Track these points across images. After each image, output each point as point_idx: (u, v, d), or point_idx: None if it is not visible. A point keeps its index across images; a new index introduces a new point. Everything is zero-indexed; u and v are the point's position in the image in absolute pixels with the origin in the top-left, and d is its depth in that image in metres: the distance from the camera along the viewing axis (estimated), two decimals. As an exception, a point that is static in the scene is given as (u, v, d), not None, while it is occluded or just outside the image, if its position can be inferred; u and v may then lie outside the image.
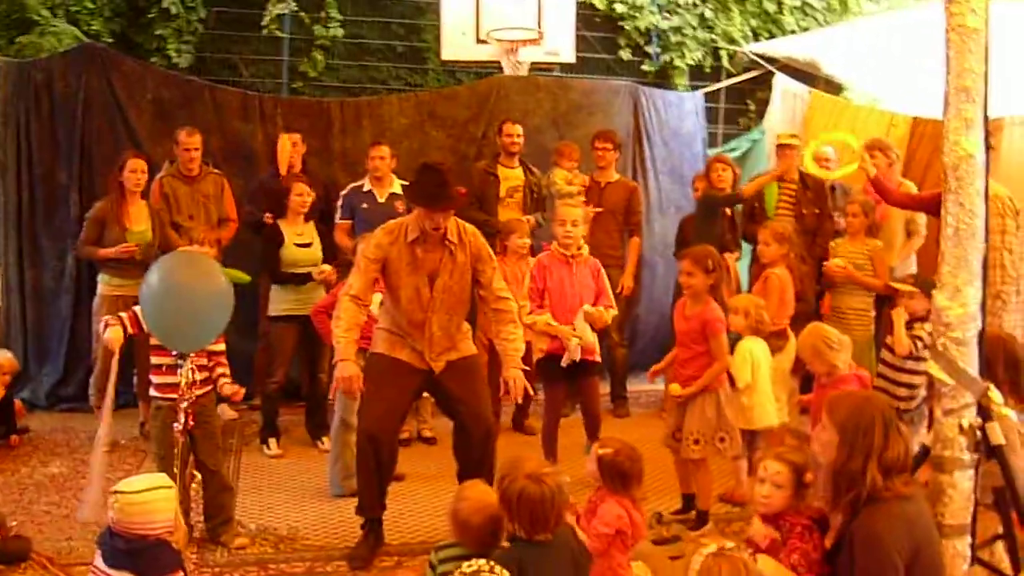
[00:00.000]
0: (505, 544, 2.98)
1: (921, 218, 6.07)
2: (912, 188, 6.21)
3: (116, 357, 4.03)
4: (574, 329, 4.91)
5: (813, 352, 4.34)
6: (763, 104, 8.72)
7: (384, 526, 4.34)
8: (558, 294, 4.98)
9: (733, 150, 8.44)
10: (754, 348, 4.82)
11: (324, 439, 5.78)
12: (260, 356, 6.06)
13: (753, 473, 4.72)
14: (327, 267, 5.64)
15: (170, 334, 3.86)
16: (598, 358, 5.15)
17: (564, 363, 4.93)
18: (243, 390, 4.34)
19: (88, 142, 6.55)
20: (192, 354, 3.91)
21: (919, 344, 4.83)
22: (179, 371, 3.91)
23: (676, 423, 4.65)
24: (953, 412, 3.09)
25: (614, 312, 5.14)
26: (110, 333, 4.02)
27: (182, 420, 3.92)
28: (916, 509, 2.82)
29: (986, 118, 3.06)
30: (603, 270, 5.16)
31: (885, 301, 5.67)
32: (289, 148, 6.21)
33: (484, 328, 5.50)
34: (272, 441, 5.73)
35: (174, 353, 3.92)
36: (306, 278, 5.59)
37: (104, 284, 5.83)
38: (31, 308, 6.58)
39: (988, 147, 3.10)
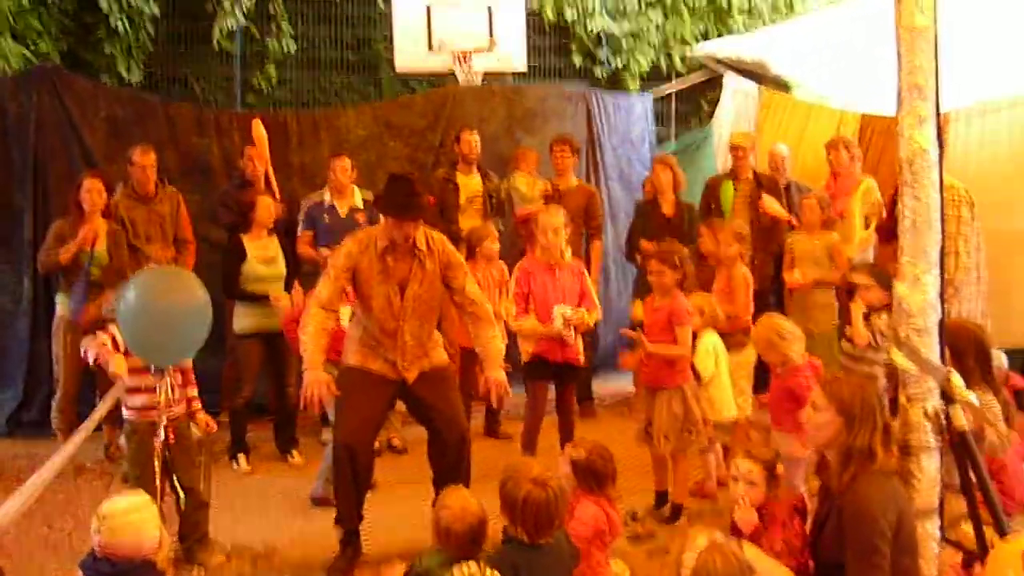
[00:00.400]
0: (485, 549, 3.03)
1: (882, 215, 6.21)
2: (873, 184, 6.34)
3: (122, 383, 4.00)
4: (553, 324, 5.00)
5: (767, 344, 4.45)
6: (715, 104, 8.86)
7: (361, 537, 4.34)
8: (541, 298, 5.06)
9: (675, 151, 8.55)
10: (715, 341, 4.93)
11: (294, 453, 5.78)
12: (227, 372, 6.02)
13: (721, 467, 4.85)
14: (284, 297, 5.57)
15: (150, 349, 3.83)
16: (581, 361, 5.23)
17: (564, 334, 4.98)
18: (215, 426, 4.35)
19: (42, 163, 6.47)
20: (170, 369, 3.88)
21: (877, 335, 4.95)
22: (158, 387, 3.87)
23: (647, 417, 4.73)
24: (917, 398, 3.19)
25: (597, 315, 5.21)
26: (115, 364, 3.94)
27: (162, 436, 3.88)
28: (896, 483, 3.03)
29: (938, 113, 3.17)
30: (586, 273, 5.22)
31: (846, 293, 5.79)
32: (264, 133, 6.18)
33: (450, 337, 5.52)
34: (241, 457, 5.70)
35: (151, 369, 3.89)
36: (264, 299, 5.55)
37: (62, 305, 5.73)
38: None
39: (940, 142, 3.21)
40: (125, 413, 4.21)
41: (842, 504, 2.95)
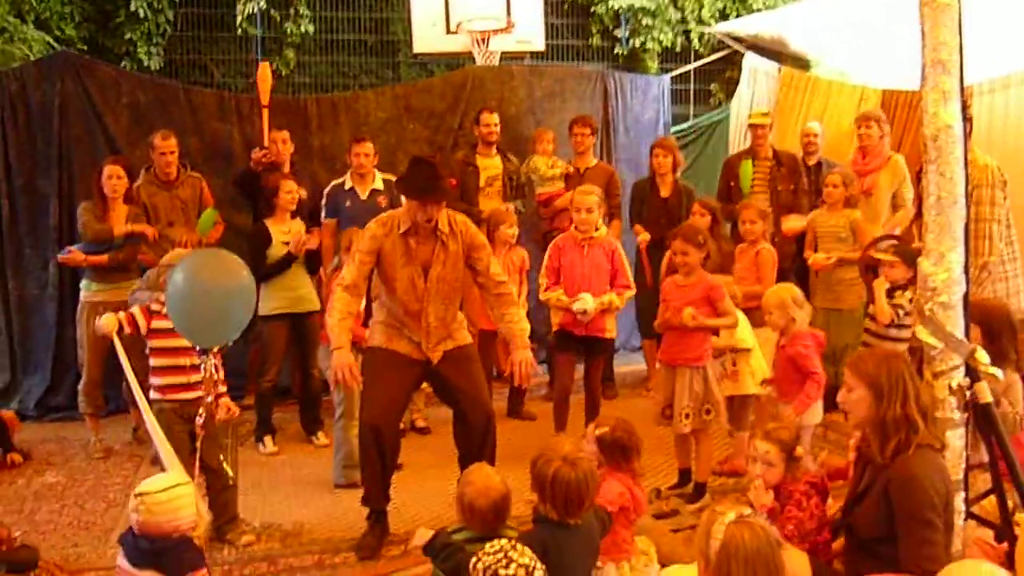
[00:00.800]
0: (511, 527, 3.06)
1: (908, 192, 6.18)
2: (902, 161, 6.32)
3: (118, 342, 4.05)
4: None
5: (779, 304, 4.51)
6: (733, 84, 8.83)
7: (388, 516, 4.40)
8: (569, 273, 5.17)
9: (686, 132, 8.54)
10: (742, 316, 4.97)
11: (319, 435, 5.83)
12: (253, 355, 6.09)
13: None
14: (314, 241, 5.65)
15: (196, 330, 3.88)
16: (609, 335, 5.27)
17: (579, 317, 5.08)
18: (236, 410, 4.40)
19: (66, 149, 6.52)
20: (214, 350, 3.94)
21: (900, 312, 4.95)
22: (202, 367, 3.92)
23: (666, 400, 4.76)
24: (943, 374, 3.20)
25: (630, 293, 5.24)
26: (104, 320, 4.06)
27: (202, 417, 3.92)
28: (941, 459, 3.04)
29: (962, 88, 3.16)
30: (619, 251, 5.24)
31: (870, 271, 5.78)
32: (270, 77, 6.23)
33: (471, 318, 5.56)
34: (268, 439, 5.76)
35: (197, 350, 3.94)
36: (285, 264, 5.58)
37: (86, 291, 5.80)
38: (16, 318, 6.55)
39: (965, 117, 3.21)
40: (151, 394, 4.28)
41: (889, 477, 2.97)
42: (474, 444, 4.27)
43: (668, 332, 4.79)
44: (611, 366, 6.89)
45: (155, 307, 4.24)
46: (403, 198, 4.32)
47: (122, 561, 2.86)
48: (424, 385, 4.75)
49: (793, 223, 6.18)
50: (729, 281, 5.08)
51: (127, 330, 4.14)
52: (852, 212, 5.86)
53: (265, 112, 6.28)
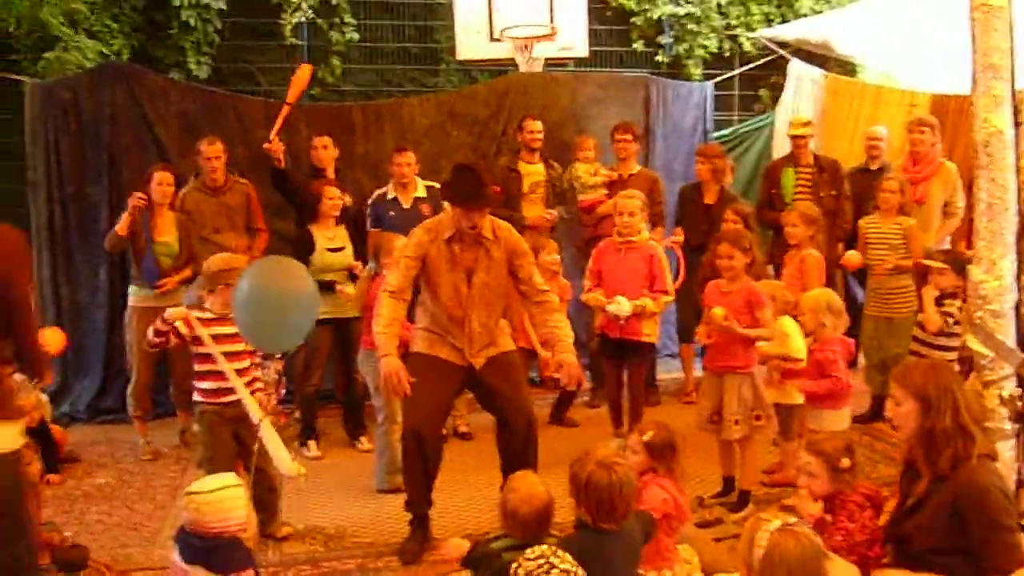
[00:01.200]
0: (553, 535, 3.06)
1: (960, 200, 6.09)
2: (953, 170, 6.22)
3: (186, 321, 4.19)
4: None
5: (815, 307, 4.52)
6: (777, 90, 8.75)
7: (431, 521, 4.41)
8: (608, 277, 5.31)
9: (728, 138, 8.47)
10: (795, 325, 4.92)
11: (362, 439, 5.87)
12: (297, 360, 6.13)
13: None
14: (349, 286, 5.66)
15: (261, 337, 3.96)
16: (646, 339, 5.30)
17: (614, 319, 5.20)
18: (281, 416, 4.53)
19: (117, 158, 6.65)
20: (277, 356, 4.02)
21: (950, 320, 4.88)
22: (263, 372, 4.05)
23: (713, 407, 4.72)
24: (993, 383, 3.16)
25: (667, 299, 5.29)
26: (172, 311, 4.20)
27: (257, 419, 4.01)
28: (996, 469, 3.01)
29: (1014, 93, 3.12)
30: (658, 255, 5.25)
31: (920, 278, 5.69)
32: (306, 78, 6.30)
33: (514, 324, 5.56)
34: (311, 443, 5.82)
35: (260, 355, 4.04)
36: (331, 286, 5.61)
37: (133, 296, 5.91)
38: (68, 323, 6.62)
39: (1017, 122, 3.15)
40: (196, 397, 4.36)
41: (957, 489, 2.92)
42: (516, 450, 4.27)
43: (717, 339, 4.74)
44: (653, 372, 6.86)
45: (198, 313, 4.29)
46: (447, 205, 4.34)
47: (176, 557, 2.92)
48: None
49: (853, 258, 6.04)
50: (782, 286, 5.03)
51: (184, 330, 4.21)
52: (906, 220, 5.76)
53: (285, 108, 6.25)
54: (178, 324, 4.19)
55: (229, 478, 2.96)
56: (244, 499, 2.92)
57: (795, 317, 4.94)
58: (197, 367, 4.35)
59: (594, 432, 5.70)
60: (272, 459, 4.15)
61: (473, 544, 3.09)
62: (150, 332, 4.27)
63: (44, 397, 5.49)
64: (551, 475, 4.54)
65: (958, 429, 2.92)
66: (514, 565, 2.49)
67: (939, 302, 4.93)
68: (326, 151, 6.35)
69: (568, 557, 2.50)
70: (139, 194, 5.76)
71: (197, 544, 2.85)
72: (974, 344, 3.16)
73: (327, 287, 5.58)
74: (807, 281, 5.19)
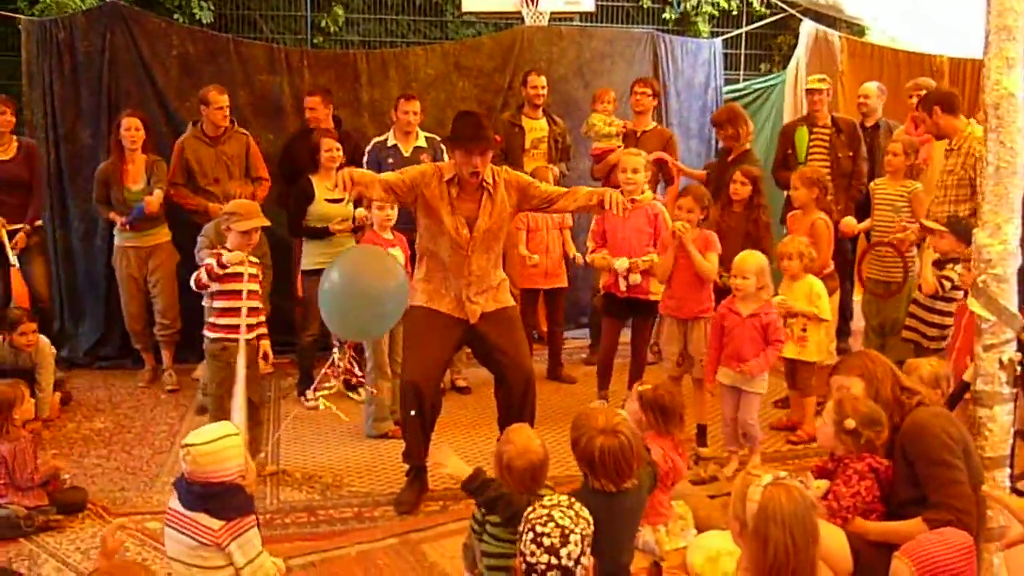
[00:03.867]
0: (548, 487, 3.08)
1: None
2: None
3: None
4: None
5: (759, 269, 4.56)
6: (786, 49, 8.67)
7: (427, 472, 4.44)
8: (612, 235, 5.27)
9: (739, 95, 8.39)
10: (821, 284, 5.04)
11: (359, 390, 5.89)
12: (296, 310, 6.13)
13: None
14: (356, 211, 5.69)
15: (350, 328, 4.17)
16: (654, 298, 5.28)
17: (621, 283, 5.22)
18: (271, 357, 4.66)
19: (115, 101, 6.53)
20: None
21: (947, 284, 4.86)
22: (334, 355, 4.36)
23: (679, 350, 5.03)
24: (993, 347, 3.15)
25: None
26: (228, 256, 4.35)
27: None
28: (946, 411, 3.23)
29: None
30: (663, 215, 5.24)
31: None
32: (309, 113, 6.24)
33: (514, 277, 5.57)
34: (309, 392, 5.83)
35: (335, 341, 4.20)
36: (325, 232, 5.60)
37: (118, 235, 6.05)
38: (63, 268, 6.64)
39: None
40: (211, 334, 4.44)
41: (901, 434, 3.08)
42: (514, 405, 4.29)
43: (678, 287, 4.97)
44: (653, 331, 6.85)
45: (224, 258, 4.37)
46: (447, 155, 4.32)
47: (174, 503, 2.93)
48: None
49: (849, 225, 6.03)
50: (806, 242, 5.09)
51: (216, 270, 4.33)
52: (912, 183, 5.72)
53: None
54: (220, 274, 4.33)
55: (226, 427, 2.97)
56: (241, 446, 2.93)
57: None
58: (218, 303, 4.43)
59: (591, 389, 5.71)
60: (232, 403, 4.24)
61: (476, 471, 3.09)
62: (203, 275, 4.34)
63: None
64: (548, 430, 4.60)
65: (899, 390, 3.17)
66: (529, 509, 2.49)
67: (940, 266, 4.91)
68: (314, 112, 6.25)
69: (572, 514, 2.48)
70: (121, 220, 5.90)
71: (197, 491, 2.86)
72: (975, 307, 3.15)
73: (320, 234, 5.57)
74: (818, 247, 5.17)
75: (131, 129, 5.84)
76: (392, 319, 4.21)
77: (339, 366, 4.25)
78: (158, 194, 5.85)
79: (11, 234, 5.78)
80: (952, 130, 5.21)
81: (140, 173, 5.93)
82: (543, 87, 6.65)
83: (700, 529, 3.83)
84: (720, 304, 4.74)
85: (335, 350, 4.47)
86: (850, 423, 3.10)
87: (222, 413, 4.22)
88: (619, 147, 6.43)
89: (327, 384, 4.57)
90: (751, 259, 4.58)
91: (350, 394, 5.86)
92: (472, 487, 3.07)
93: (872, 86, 6.75)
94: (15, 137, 6.01)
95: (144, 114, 6.06)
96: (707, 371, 4.72)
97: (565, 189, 4.43)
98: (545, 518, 2.44)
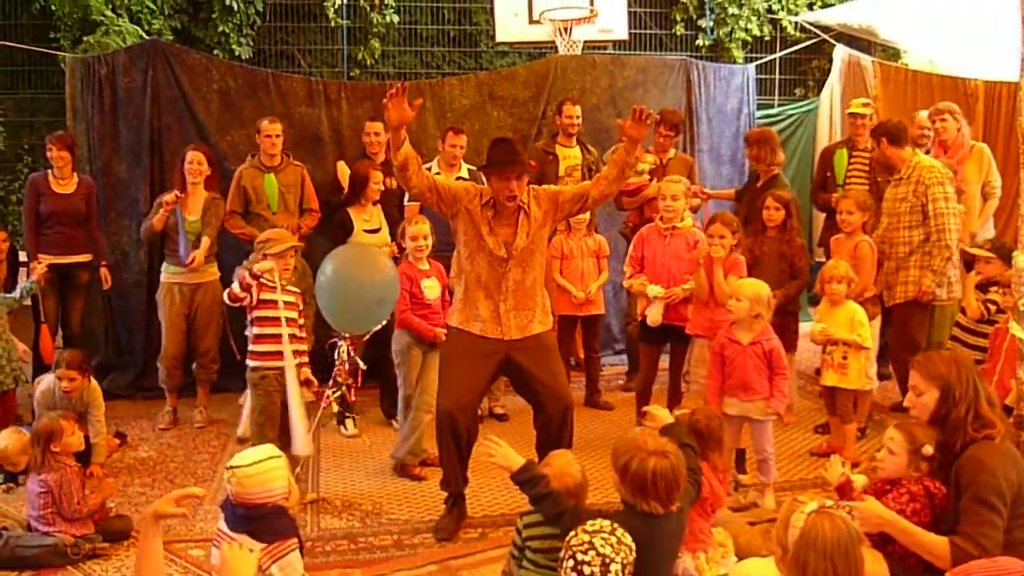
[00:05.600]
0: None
1: (996, 180, 6.03)
2: (986, 150, 6.15)
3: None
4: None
5: (755, 296, 4.47)
6: (820, 74, 8.67)
7: (466, 499, 4.46)
8: (651, 262, 5.31)
9: (773, 121, 8.38)
10: (863, 312, 5.03)
11: (399, 418, 5.91)
12: (336, 339, 6.18)
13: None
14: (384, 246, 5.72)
15: (343, 319, 4.27)
16: None
17: (649, 313, 5.24)
18: (315, 383, 4.65)
19: (157, 136, 6.70)
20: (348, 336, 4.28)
21: (992, 308, 4.82)
22: (336, 351, 4.36)
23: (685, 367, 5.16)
24: (1036, 371, 3.12)
25: None
26: (259, 265, 4.41)
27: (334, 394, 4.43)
28: (1014, 450, 3.02)
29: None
30: (703, 242, 5.23)
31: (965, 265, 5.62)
32: (347, 172, 6.26)
33: (552, 305, 5.58)
34: (349, 421, 5.88)
35: (334, 335, 4.34)
36: None
37: (165, 272, 6.08)
38: (104, 302, 6.73)
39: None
40: (252, 362, 4.52)
41: (959, 465, 2.95)
42: (552, 434, 4.26)
43: (703, 308, 5.01)
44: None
45: (263, 279, 4.46)
46: (485, 181, 4.35)
47: (222, 524, 2.98)
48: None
49: None
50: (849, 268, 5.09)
51: (254, 292, 4.41)
52: (958, 206, 5.70)
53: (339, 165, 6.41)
54: (251, 284, 4.38)
55: (269, 449, 3.01)
56: (285, 469, 2.97)
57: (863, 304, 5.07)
58: (257, 330, 4.50)
59: (628, 415, 5.72)
60: (292, 432, 4.32)
61: (527, 463, 3.10)
62: (236, 287, 4.41)
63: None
64: (586, 457, 4.59)
65: (975, 417, 2.97)
66: (571, 534, 2.50)
67: (984, 289, 4.87)
68: (377, 137, 6.36)
69: (613, 543, 2.48)
70: (175, 191, 5.91)
71: (242, 513, 2.91)
72: (1017, 331, 3.13)
73: None
74: (860, 268, 5.17)
75: (194, 163, 5.95)
76: (381, 311, 4.32)
77: (345, 360, 4.31)
78: (205, 243, 5.94)
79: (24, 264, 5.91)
80: (899, 160, 5.48)
81: (198, 207, 6.02)
82: (578, 116, 6.69)
83: (740, 556, 3.79)
84: (718, 334, 4.69)
85: (339, 346, 4.49)
86: (928, 449, 3.04)
87: (263, 441, 4.25)
88: (648, 181, 6.46)
89: (339, 383, 4.58)
90: (749, 285, 4.57)
91: (341, 429, 5.86)
92: (522, 479, 3.07)
93: (925, 115, 6.74)
94: (76, 173, 6.19)
95: (205, 150, 6.16)
96: (710, 401, 4.62)
97: (590, 182, 4.44)
98: (586, 546, 2.45)
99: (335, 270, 4.19)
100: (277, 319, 4.42)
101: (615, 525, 2.52)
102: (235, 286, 4.43)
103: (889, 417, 5.67)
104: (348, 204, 5.85)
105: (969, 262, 5.22)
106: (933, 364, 3.10)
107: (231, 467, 2.90)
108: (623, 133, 4.21)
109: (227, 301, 4.56)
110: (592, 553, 2.43)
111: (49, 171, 6.11)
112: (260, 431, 4.44)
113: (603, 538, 2.42)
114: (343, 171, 6.34)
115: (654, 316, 5.22)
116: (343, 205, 5.92)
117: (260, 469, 2.89)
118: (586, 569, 2.39)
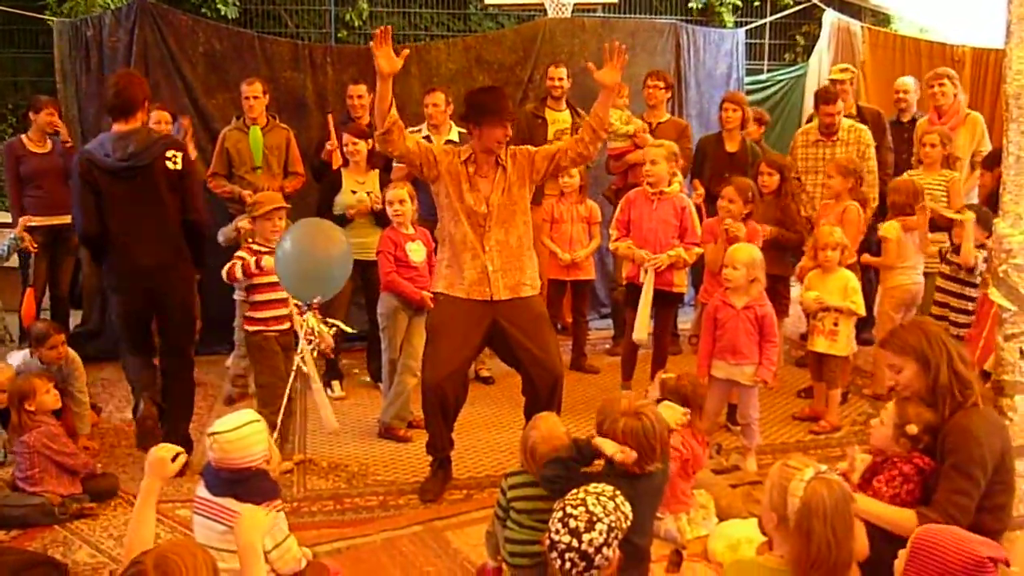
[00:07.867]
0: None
1: (986, 149, 6.04)
2: (980, 120, 6.16)
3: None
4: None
5: (750, 261, 4.53)
6: (810, 39, 8.64)
7: (452, 462, 4.49)
8: (638, 226, 5.28)
9: (763, 86, 8.37)
10: (856, 279, 5.10)
11: (334, 384, 5.95)
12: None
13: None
14: (364, 198, 5.69)
15: (300, 288, 4.39)
16: (677, 289, 5.32)
17: (641, 276, 5.21)
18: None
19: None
20: (314, 303, 4.38)
21: (979, 258, 4.85)
22: (303, 317, 4.41)
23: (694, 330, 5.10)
24: (1014, 337, 3.16)
25: (699, 250, 5.24)
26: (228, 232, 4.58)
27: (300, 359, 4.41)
28: (998, 417, 3.04)
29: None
30: (690, 208, 5.25)
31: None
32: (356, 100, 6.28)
33: (540, 269, 5.59)
34: (335, 383, 5.90)
35: (301, 304, 4.45)
36: (343, 220, 5.58)
37: None
38: (85, 264, 6.69)
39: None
40: (250, 328, 4.66)
41: (945, 432, 2.94)
42: (540, 400, 4.24)
43: (716, 278, 4.97)
44: (676, 322, 6.87)
45: (253, 245, 4.65)
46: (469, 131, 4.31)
47: (202, 491, 3.00)
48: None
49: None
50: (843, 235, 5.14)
51: (253, 269, 4.57)
52: (950, 172, 5.73)
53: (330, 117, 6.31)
54: (244, 256, 4.56)
55: (249, 414, 3.03)
56: (265, 433, 3.00)
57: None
58: (256, 297, 4.66)
59: (614, 379, 5.75)
60: (320, 411, 4.53)
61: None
62: (237, 271, 4.56)
63: None
64: (572, 420, 4.62)
65: (955, 377, 2.96)
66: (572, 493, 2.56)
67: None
68: (360, 100, 6.31)
69: (602, 504, 2.50)
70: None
71: (225, 477, 2.94)
72: (996, 297, 3.16)
73: (340, 221, 5.58)
74: (847, 233, 5.18)
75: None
76: (337, 282, 4.50)
77: (312, 329, 4.36)
78: None
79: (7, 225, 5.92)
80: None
81: None
82: (560, 79, 6.64)
83: (721, 518, 3.86)
84: (713, 297, 4.74)
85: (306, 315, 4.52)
86: (912, 428, 3.03)
87: (276, 400, 4.42)
88: (634, 144, 6.45)
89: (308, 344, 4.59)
90: (742, 251, 4.59)
91: (327, 391, 5.82)
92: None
93: (909, 81, 6.72)
94: (47, 136, 6.24)
95: (175, 109, 6.13)
96: (700, 364, 4.68)
97: (564, 142, 4.42)
98: (578, 502, 2.49)
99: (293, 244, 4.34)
100: (273, 285, 4.56)
101: (617, 492, 2.56)
102: (237, 270, 4.56)
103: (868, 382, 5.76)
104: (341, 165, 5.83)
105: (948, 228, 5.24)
106: (902, 338, 3.11)
107: (212, 433, 2.93)
108: (595, 80, 4.19)
109: (224, 278, 4.66)
110: (581, 509, 2.47)
111: (23, 135, 6.13)
112: (272, 391, 4.54)
113: (597, 498, 2.47)
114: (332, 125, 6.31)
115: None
116: (330, 167, 5.90)
117: (241, 434, 2.91)
118: (571, 522, 2.44)
